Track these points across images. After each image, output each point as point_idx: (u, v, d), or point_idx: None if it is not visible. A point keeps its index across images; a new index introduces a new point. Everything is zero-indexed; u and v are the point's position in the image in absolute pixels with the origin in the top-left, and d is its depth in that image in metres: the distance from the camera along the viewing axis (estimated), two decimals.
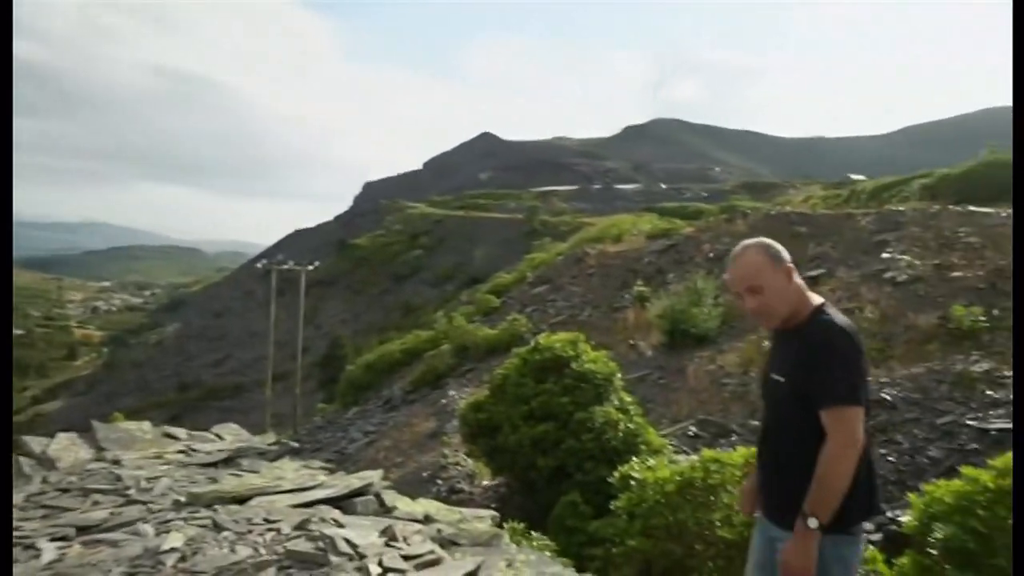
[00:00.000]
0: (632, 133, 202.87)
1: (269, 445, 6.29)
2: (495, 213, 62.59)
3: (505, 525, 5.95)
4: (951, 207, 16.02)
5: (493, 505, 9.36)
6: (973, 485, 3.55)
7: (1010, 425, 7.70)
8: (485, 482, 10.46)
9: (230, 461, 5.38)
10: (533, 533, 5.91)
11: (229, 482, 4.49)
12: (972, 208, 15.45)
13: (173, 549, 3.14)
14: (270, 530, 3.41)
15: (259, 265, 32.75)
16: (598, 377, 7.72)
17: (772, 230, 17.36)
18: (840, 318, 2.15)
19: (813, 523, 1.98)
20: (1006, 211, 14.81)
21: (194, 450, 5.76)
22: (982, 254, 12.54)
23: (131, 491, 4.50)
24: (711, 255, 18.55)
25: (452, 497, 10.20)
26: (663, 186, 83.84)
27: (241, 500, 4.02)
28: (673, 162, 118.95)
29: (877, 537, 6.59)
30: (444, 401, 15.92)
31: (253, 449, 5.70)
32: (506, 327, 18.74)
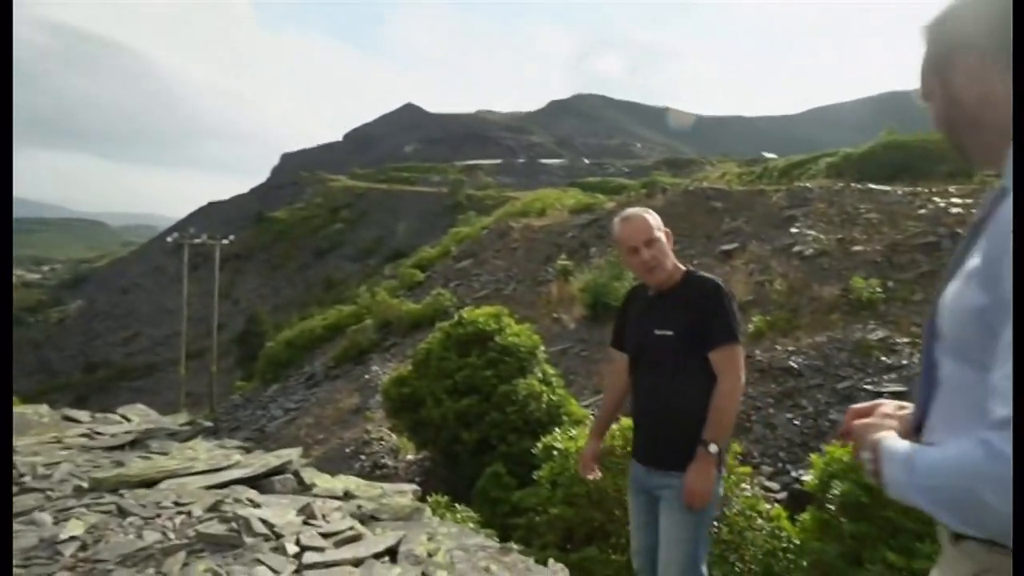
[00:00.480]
0: (556, 108, 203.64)
1: (181, 425, 6.04)
2: (419, 187, 61.68)
3: (429, 499, 5.96)
4: (853, 185, 16.93)
5: (417, 479, 9.37)
6: None
7: (902, 389, 8.28)
8: (409, 456, 10.44)
9: (138, 444, 5.13)
10: (457, 505, 5.95)
11: (136, 465, 4.29)
12: (872, 186, 16.37)
13: (72, 538, 2.97)
14: (180, 513, 3.28)
15: (170, 239, 31.15)
16: (521, 350, 7.80)
17: (690, 205, 17.90)
18: (711, 276, 2.43)
19: (713, 448, 2.19)
20: (902, 189, 15.77)
21: (98, 433, 5.47)
22: (880, 229, 13.34)
23: (26, 478, 4.23)
24: None
25: (376, 472, 10.14)
26: (586, 161, 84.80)
27: (149, 484, 3.85)
28: (596, 137, 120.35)
29: (782, 496, 7.00)
30: (367, 376, 15.74)
31: (163, 430, 5.45)
32: (430, 301, 18.63)
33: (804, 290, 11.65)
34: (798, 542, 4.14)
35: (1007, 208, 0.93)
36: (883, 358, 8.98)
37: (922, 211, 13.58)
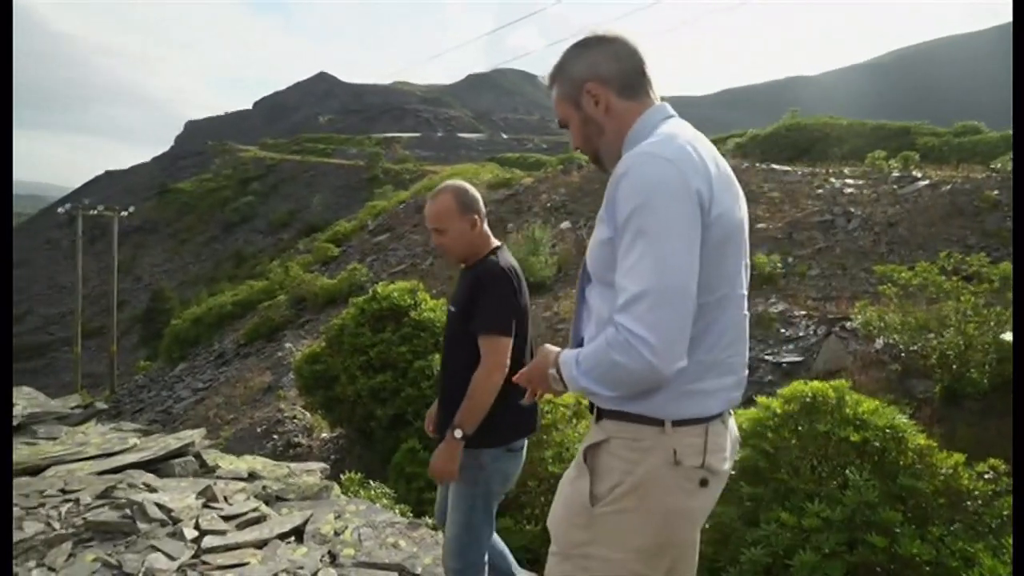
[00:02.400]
0: (475, 81, 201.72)
1: (72, 409, 5.68)
2: (334, 159, 59.80)
3: (343, 476, 5.87)
4: (758, 165, 17.64)
5: (332, 457, 9.22)
6: (765, 412, 3.99)
7: (799, 359, 8.78)
8: (324, 435, 10.24)
9: (23, 429, 4.79)
10: (372, 482, 5.88)
11: (20, 452, 4.01)
12: (775, 166, 17.11)
13: None
14: (67, 501, 3.09)
15: (62, 210, 28.96)
16: (437, 325, 7.74)
17: (604, 181, 18.17)
18: (505, 260, 2.43)
19: (458, 433, 2.23)
20: (802, 170, 16.57)
21: None
22: (781, 208, 13.99)
23: None
24: (548, 205, 19.11)
25: (289, 452, 9.90)
26: (505, 136, 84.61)
27: (33, 471, 3.61)
28: (515, 113, 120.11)
29: None
30: (280, 354, 15.30)
31: (51, 414, 5.11)
32: (345, 276, 18.23)
33: None
34: None
35: (620, 164, 1.34)
36: (782, 330, 9.47)
37: (820, 191, 14.34)
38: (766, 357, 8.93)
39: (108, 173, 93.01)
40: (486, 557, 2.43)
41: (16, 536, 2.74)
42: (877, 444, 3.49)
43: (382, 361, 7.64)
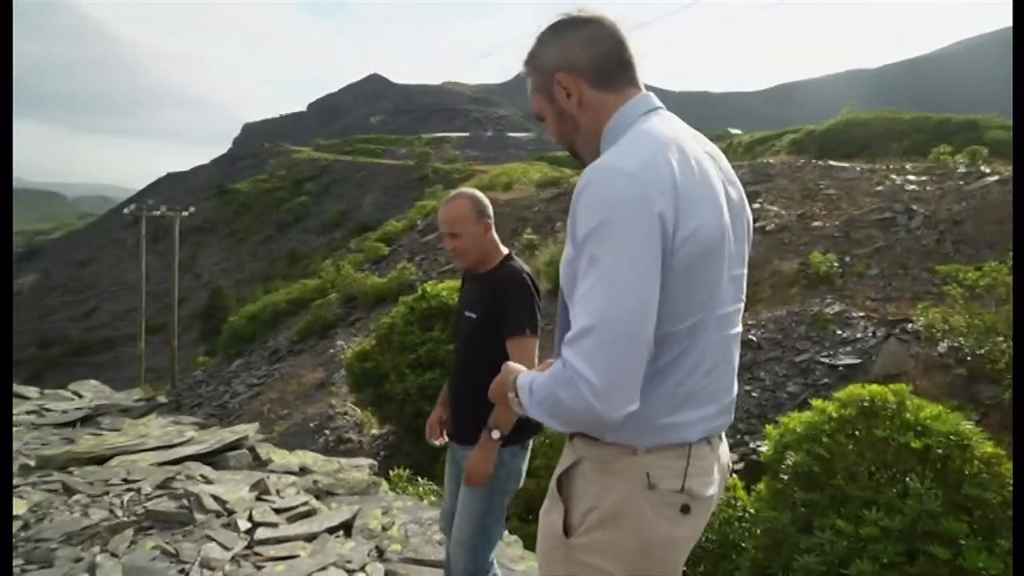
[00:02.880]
0: (524, 81, 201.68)
1: (135, 402, 5.92)
2: (385, 159, 60.72)
3: (391, 473, 5.95)
4: (815, 161, 17.16)
5: (381, 453, 9.36)
6: (820, 416, 3.88)
7: (856, 361, 8.49)
8: (374, 431, 10.41)
9: (89, 420, 5.02)
10: (419, 479, 5.94)
11: (86, 442, 4.19)
12: (832, 163, 16.61)
13: (15, 517, 2.90)
14: (129, 490, 3.21)
15: (127, 210, 30.20)
16: None
17: None
18: (521, 266, 2.50)
19: (495, 435, 2.25)
20: (860, 166, 16.03)
21: (47, 410, 5.33)
22: (839, 205, 13.57)
23: None
24: None
25: (340, 447, 10.10)
26: None
27: (99, 461, 3.77)
28: None
29: (739, 466, 7.16)
30: (332, 351, 15.61)
31: (116, 406, 5.34)
32: (395, 275, 18.48)
33: (765, 265, 11.82)
34: (753, 511, 4.23)
35: (583, 175, 1.21)
36: (839, 331, 9.18)
37: (879, 188, 13.84)
38: (821, 359, 8.68)
39: (170, 175, 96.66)
40: (495, 558, 2.47)
41: (83, 522, 2.87)
42: (940, 451, 3.34)
43: (430, 359, 7.71)
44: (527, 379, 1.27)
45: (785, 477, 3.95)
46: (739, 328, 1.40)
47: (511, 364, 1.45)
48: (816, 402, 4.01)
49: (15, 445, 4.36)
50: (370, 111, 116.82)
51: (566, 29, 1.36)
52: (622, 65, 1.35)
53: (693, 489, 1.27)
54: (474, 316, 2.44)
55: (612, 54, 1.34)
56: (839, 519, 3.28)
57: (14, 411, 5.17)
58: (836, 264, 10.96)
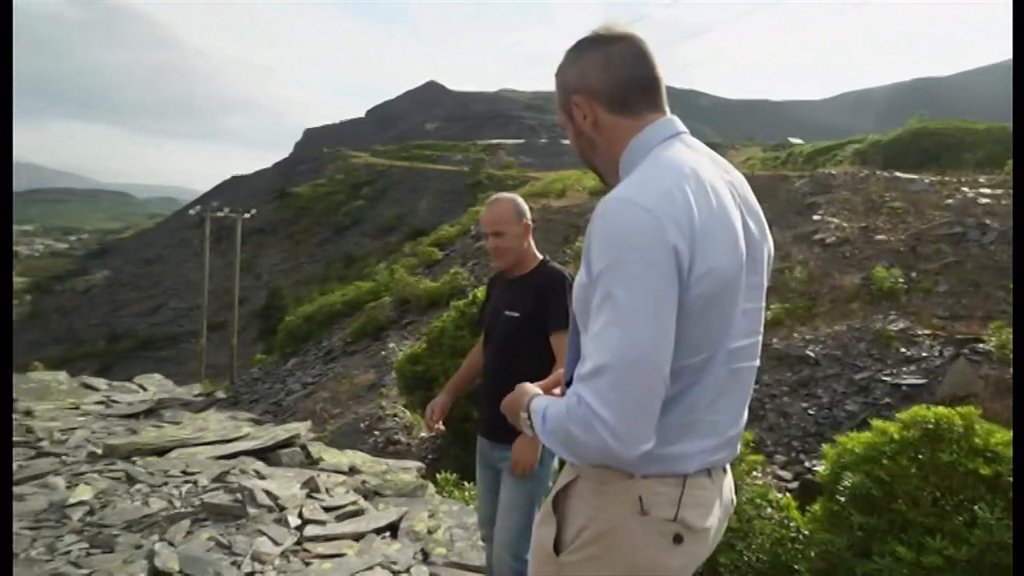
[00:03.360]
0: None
1: (195, 396, 6.13)
2: (440, 165, 61.54)
3: (438, 476, 5.99)
4: (879, 172, 16.58)
5: (429, 456, 9.43)
6: (880, 437, 3.72)
7: (921, 381, 8.15)
8: (422, 434, 10.51)
9: (152, 413, 5.22)
10: (466, 484, 5.96)
11: (149, 434, 4.36)
12: (899, 174, 16.02)
13: (81, 502, 3.03)
14: (187, 482, 3.32)
15: (193, 212, 31.40)
16: None
17: None
18: (561, 267, 2.63)
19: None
20: (929, 178, 15.41)
21: (114, 401, 5.56)
22: (905, 218, 13.06)
23: (43, 443, 4.32)
24: None
25: (389, 448, 10.23)
26: None
27: (160, 452, 3.91)
28: None
29: (794, 485, 6.95)
30: (384, 353, 15.84)
31: (177, 400, 5.54)
32: (447, 279, 18.65)
33: (824, 278, 11.47)
34: (807, 532, 4.10)
35: (599, 205, 1.21)
36: (903, 349, 8.83)
37: (949, 200, 13.27)
38: (883, 377, 8.35)
39: (234, 177, 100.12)
40: None
41: (143, 511, 2.98)
42: (1012, 480, 3.17)
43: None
44: (541, 405, 1.28)
45: (842, 499, 3.81)
46: (754, 362, 1.37)
47: (527, 385, 1.44)
48: (877, 422, 3.86)
49: (83, 434, 4.56)
50: (426, 118, 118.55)
51: (588, 48, 1.35)
52: (643, 88, 1.33)
53: (687, 519, 1.26)
54: (516, 315, 2.51)
55: (631, 77, 1.32)
56: (899, 545, 3.14)
57: (85, 401, 5.42)
58: (901, 280, 10.55)
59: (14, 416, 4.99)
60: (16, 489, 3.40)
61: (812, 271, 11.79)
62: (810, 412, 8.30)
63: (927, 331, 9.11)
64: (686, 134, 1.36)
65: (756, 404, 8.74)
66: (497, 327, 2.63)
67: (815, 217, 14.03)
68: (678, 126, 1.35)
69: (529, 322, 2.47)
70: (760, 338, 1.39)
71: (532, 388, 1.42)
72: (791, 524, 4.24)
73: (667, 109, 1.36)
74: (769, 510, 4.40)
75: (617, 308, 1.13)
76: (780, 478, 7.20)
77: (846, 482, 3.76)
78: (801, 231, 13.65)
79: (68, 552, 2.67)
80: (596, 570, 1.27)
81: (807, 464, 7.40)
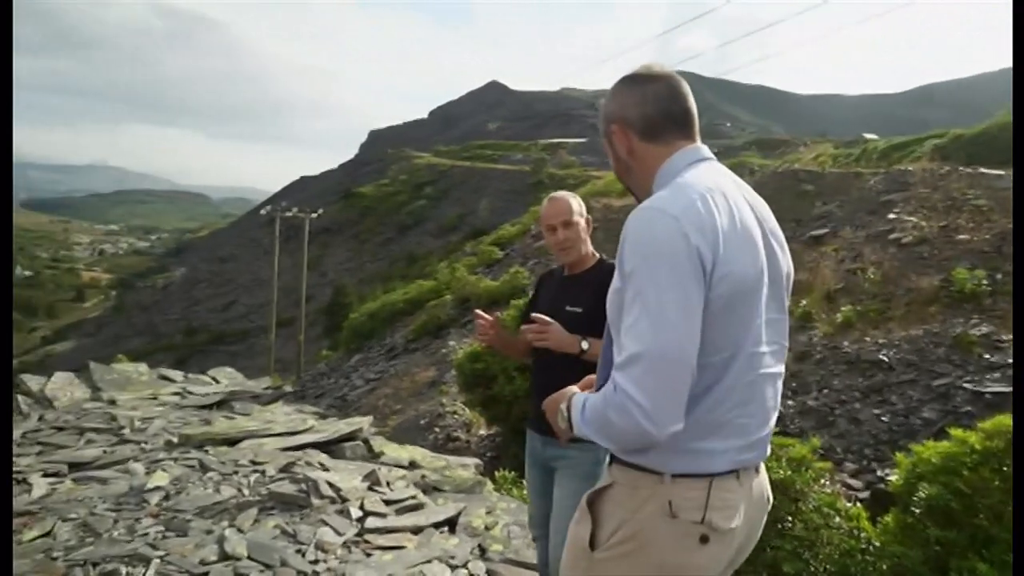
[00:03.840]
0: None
1: (264, 389, 6.34)
2: (501, 164, 61.86)
3: (497, 474, 6.02)
4: (961, 168, 15.73)
5: (488, 454, 9.50)
6: (960, 447, 3.54)
7: (1006, 389, 7.69)
8: (482, 432, 10.59)
9: (223, 404, 5.43)
10: (524, 482, 5.97)
11: (221, 424, 4.53)
12: (983, 170, 15.16)
13: (158, 488, 3.18)
14: (255, 472, 3.44)
15: (263, 212, 32.56)
16: None
17: (779, 187, 17.15)
18: None
19: (585, 345, 2.37)
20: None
21: (189, 392, 5.82)
22: (989, 217, 12.36)
23: (125, 431, 4.55)
24: None
25: (448, 445, 10.34)
26: None
27: (231, 442, 4.06)
28: None
29: (865, 495, 6.67)
30: (444, 351, 16.02)
31: (247, 393, 5.74)
32: (507, 279, 18.72)
33: (900, 279, 10.97)
34: (878, 544, 3.93)
35: (630, 215, 1.36)
36: (986, 355, 8.35)
37: None
38: (963, 384, 7.93)
39: (302, 178, 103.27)
40: None
41: (215, 498, 3.11)
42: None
43: None
44: (581, 398, 1.42)
45: (917, 511, 3.64)
46: (777, 368, 1.49)
47: (574, 387, 1.59)
48: (956, 431, 3.66)
49: (160, 423, 4.78)
50: (489, 118, 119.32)
51: (627, 85, 1.54)
52: (675, 121, 1.51)
53: (713, 521, 1.36)
54: (578, 310, 2.53)
55: (663, 111, 1.50)
56: (980, 562, 2.98)
57: (163, 392, 5.69)
58: (985, 282, 9.98)
59: (100, 405, 5.28)
60: (100, 473, 3.60)
61: (886, 272, 11.29)
62: (883, 419, 7.95)
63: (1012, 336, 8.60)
64: (712, 160, 1.52)
65: (825, 410, 8.44)
66: (558, 323, 2.61)
67: (890, 216, 13.43)
68: (704, 153, 1.52)
69: (590, 317, 2.47)
70: (785, 347, 1.52)
71: (574, 388, 1.57)
72: (862, 535, 4.08)
73: (697, 138, 1.54)
74: (838, 519, 4.24)
75: (647, 303, 1.26)
76: (849, 487, 6.93)
77: (922, 493, 3.59)
78: (875, 230, 13.10)
79: (146, 534, 2.81)
80: (627, 568, 1.37)
81: (879, 473, 7.09)
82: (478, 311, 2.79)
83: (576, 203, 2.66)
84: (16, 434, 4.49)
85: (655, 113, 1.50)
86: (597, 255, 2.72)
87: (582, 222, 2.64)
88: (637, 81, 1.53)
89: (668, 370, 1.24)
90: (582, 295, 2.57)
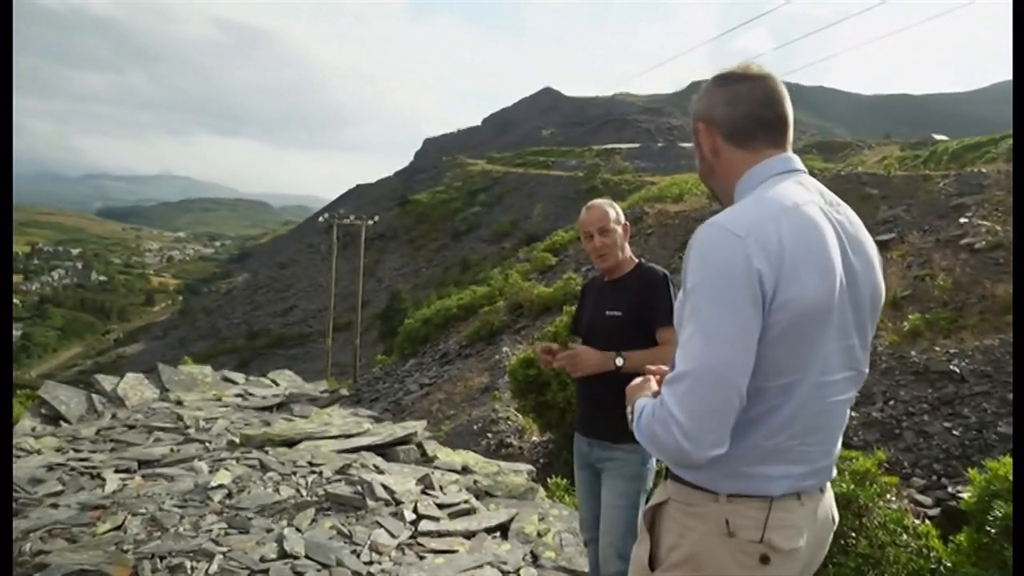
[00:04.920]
0: (698, 89, 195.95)
1: (321, 392, 6.49)
2: (555, 170, 61.83)
3: (549, 480, 6.00)
4: None
5: (541, 460, 9.47)
6: None
7: None
8: (534, 438, 10.57)
9: (283, 406, 5.58)
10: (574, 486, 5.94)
11: (280, 426, 4.66)
12: None
13: (221, 486, 3.29)
14: (313, 473, 3.52)
15: (321, 219, 33.41)
16: None
17: (841, 191, 16.49)
18: (658, 266, 2.70)
19: (620, 361, 2.41)
20: None
21: (250, 394, 6.00)
22: None
23: (190, 430, 4.72)
24: None
25: (501, 451, 10.36)
26: None
27: (290, 443, 4.17)
28: None
29: (934, 512, 6.38)
30: (498, 357, 16.07)
31: (305, 395, 5.89)
32: (561, 285, 18.65)
33: (972, 287, 10.48)
34: (950, 564, 3.75)
35: (697, 230, 1.33)
36: None
37: None
38: None
39: (359, 186, 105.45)
40: None
41: (274, 497, 3.19)
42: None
43: None
44: (642, 403, 1.40)
45: (992, 530, 3.46)
46: (848, 395, 1.42)
47: (651, 380, 1.55)
48: None
49: (224, 423, 4.95)
50: (542, 124, 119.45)
51: (718, 84, 1.48)
52: (765, 127, 1.43)
53: (773, 541, 1.31)
54: (618, 314, 2.56)
55: (753, 114, 1.42)
56: None
57: (226, 393, 5.88)
58: None
59: (167, 405, 5.50)
60: (168, 470, 3.74)
61: (958, 279, 10.80)
62: (954, 433, 7.60)
63: None
64: (802, 172, 1.43)
65: (891, 422, 8.11)
66: (599, 327, 2.67)
67: (962, 220, 12.85)
68: (794, 164, 1.43)
69: (631, 320, 2.52)
70: (863, 372, 1.45)
71: (653, 386, 1.52)
72: (932, 554, 3.90)
73: (789, 148, 1.46)
74: (905, 537, 4.07)
75: (701, 321, 1.24)
76: (918, 503, 6.64)
77: (997, 512, 3.42)
78: (945, 235, 12.55)
79: (210, 531, 2.91)
80: None
81: (950, 489, 6.78)
82: (541, 348, 2.76)
83: (613, 211, 2.70)
84: (91, 431, 4.72)
85: (743, 116, 1.42)
86: (635, 260, 2.75)
87: (619, 229, 2.67)
88: (729, 80, 1.46)
89: (712, 392, 1.22)
90: (622, 299, 2.60)
